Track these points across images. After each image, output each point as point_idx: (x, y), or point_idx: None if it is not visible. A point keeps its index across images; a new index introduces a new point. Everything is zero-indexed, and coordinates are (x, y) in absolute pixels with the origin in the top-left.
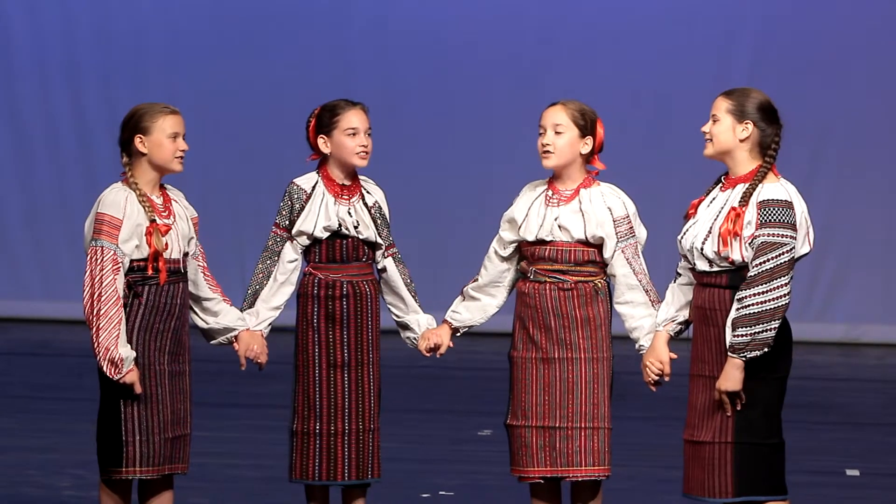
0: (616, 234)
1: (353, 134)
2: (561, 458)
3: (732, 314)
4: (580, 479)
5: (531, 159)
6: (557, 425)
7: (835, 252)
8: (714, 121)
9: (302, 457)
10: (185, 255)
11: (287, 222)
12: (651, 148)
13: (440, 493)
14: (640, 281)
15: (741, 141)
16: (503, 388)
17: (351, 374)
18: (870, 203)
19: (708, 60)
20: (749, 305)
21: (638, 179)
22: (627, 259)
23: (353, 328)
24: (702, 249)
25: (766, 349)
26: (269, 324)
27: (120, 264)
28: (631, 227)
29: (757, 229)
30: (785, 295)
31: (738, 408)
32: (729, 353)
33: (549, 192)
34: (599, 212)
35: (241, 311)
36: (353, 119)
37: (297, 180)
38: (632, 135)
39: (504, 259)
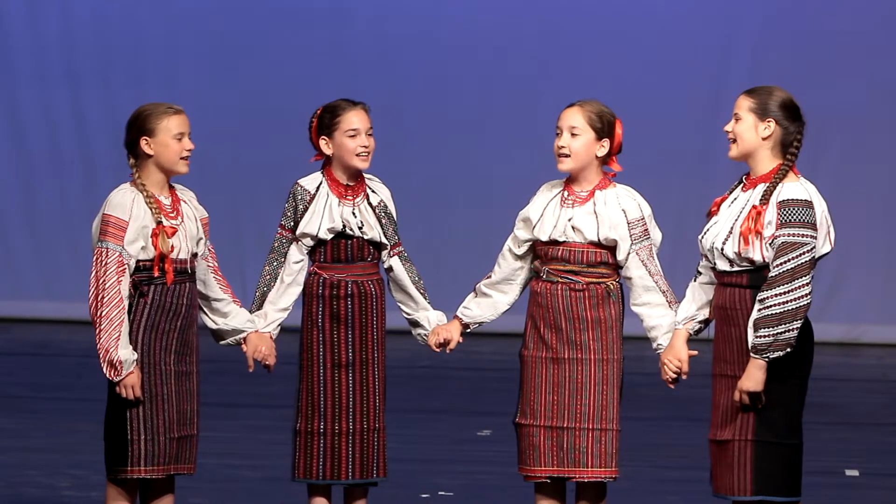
0: (630, 236)
1: (354, 135)
2: (568, 459)
3: (754, 315)
4: (587, 481)
5: (531, 159)
6: (566, 425)
7: (835, 252)
8: (736, 120)
9: (306, 456)
10: (194, 255)
11: (292, 223)
12: (651, 148)
13: (440, 493)
14: (656, 282)
15: (764, 139)
16: (503, 389)
17: (355, 373)
18: (870, 203)
19: (708, 60)
20: (771, 306)
21: (637, 179)
22: (642, 261)
23: (358, 328)
24: (722, 249)
25: (788, 349)
26: (278, 325)
27: (125, 266)
28: (646, 230)
29: (777, 229)
30: (806, 295)
31: (759, 407)
32: (751, 354)
33: (565, 193)
34: (614, 214)
35: (250, 312)
36: (353, 120)
37: (302, 181)
38: (631, 135)
39: (518, 257)
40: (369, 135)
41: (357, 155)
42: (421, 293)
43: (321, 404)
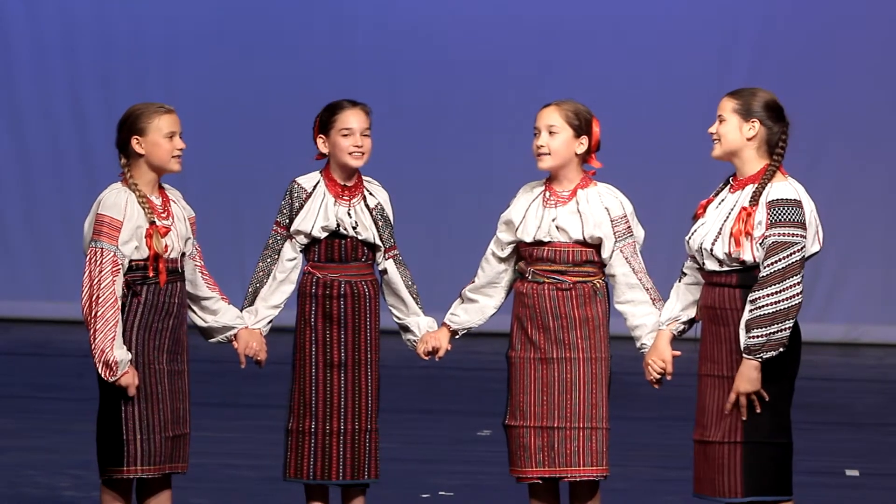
0: (614, 233)
1: (348, 134)
2: (559, 459)
3: (746, 315)
4: (578, 480)
5: (531, 159)
6: (556, 425)
7: (835, 252)
8: (720, 121)
9: (297, 455)
10: (183, 254)
11: (287, 220)
12: (651, 148)
13: (440, 493)
14: (640, 280)
15: (748, 140)
16: (503, 389)
17: (347, 373)
18: (870, 203)
19: (708, 60)
20: (763, 306)
21: (638, 180)
22: (626, 258)
23: (351, 328)
24: (711, 250)
25: (781, 349)
26: (269, 322)
27: (119, 266)
28: (629, 227)
29: (767, 229)
30: (798, 294)
31: (759, 410)
32: (745, 356)
33: (547, 194)
34: (597, 212)
35: (242, 309)
36: (348, 119)
37: (299, 179)
38: (632, 135)
39: (501, 260)
40: (364, 135)
41: (350, 154)
42: (413, 298)
43: (313, 404)
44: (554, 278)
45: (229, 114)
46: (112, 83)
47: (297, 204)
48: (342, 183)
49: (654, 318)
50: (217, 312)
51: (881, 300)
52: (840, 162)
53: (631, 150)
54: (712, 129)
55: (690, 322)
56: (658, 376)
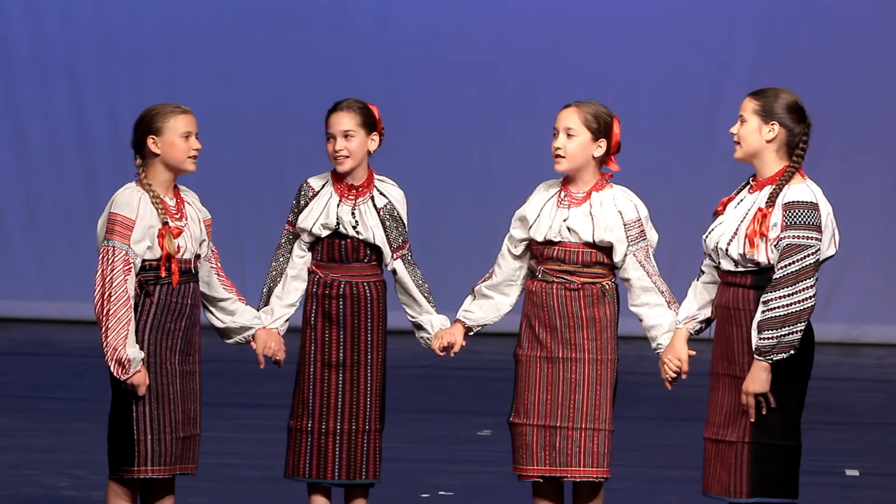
0: (627, 237)
1: (329, 139)
2: (560, 458)
3: (758, 317)
4: (578, 480)
5: (531, 158)
6: (559, 425)
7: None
8: (741, 122)
9: (294, 453)
10: (197, 256)
11: (296, 219)
12: (651, 148)
13: (440, 493)
14: (654, 283)
15: (768, 142)
16: (503, 388)
17: (345, 374)
18: (870, 203)
19: (708, 60)
20: (775, 308)
21: (638, 179)
22: (640, 262)
23: (350, 328)
24: (727, 250)
25: (792, 351)
26: (286, 321)
27: (131, 265)
28: (642, 231)
29: (782, 231)
30: (810, 297)
31: (764, 411)
32: (755, 356)
33: (562, 194)
34: (609, 216)
35: (258, 309)
36: (328, 123)
37: (310, 179)
38: (632, 135)
39: (517, 257)
40: (345, 137)
41: (334, 158)
42: (425, 296)
43: (310, 403)
44: (563, 278)
45: (229, 114)
46: (112, 83)
47: (303, 202)
48: (350, 183)
49: (669, 318)
50: (234, 313)
51: (881, 300)
52: (840, 162)
53: (631, 150)
54: (734, 130)
55: (707, 321)
56: (674, 375)
